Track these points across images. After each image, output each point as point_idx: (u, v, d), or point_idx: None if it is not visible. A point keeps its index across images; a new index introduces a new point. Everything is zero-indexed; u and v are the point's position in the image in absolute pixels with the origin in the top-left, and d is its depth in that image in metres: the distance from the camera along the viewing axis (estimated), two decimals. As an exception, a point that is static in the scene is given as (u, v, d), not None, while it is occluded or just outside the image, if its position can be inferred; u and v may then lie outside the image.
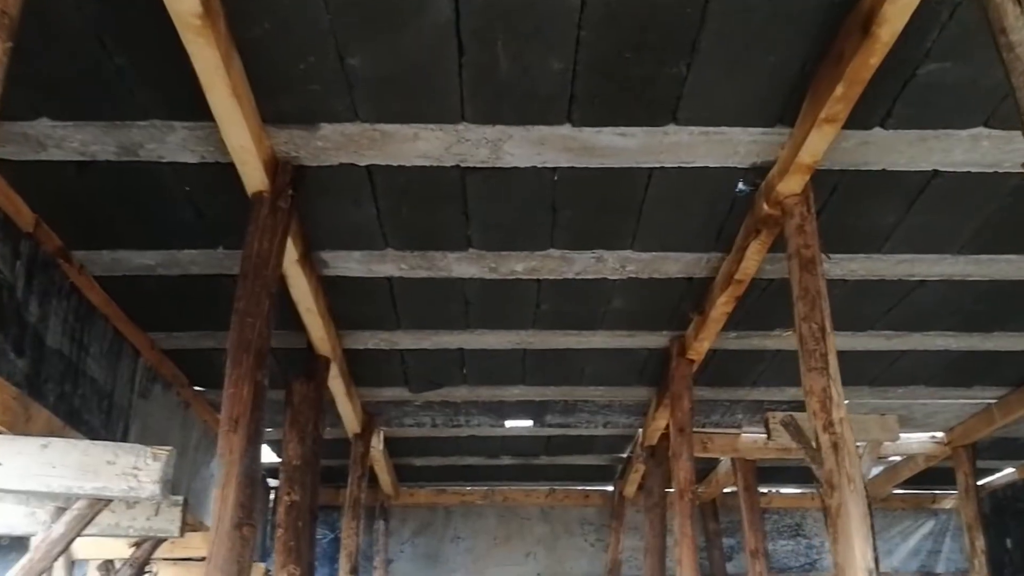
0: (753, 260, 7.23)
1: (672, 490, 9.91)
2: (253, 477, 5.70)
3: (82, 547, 10.41)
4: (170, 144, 6.22)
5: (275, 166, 6.29)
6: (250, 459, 5.68)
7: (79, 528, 6.78)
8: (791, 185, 6.23)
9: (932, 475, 14.66)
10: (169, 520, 8.00)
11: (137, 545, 9.05)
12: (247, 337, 5.94)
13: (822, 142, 5.75)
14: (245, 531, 5.54)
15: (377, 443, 12.72)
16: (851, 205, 7.04)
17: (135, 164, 6.45)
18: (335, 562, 13.58)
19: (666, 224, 7.34)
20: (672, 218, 7.25)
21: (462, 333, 9.52)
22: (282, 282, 7.77)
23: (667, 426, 11.76)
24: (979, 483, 16.13)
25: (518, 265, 7.97)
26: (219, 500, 5.56)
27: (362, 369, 10.55)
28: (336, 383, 10.08)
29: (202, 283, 8.18)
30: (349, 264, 7.95)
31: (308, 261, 7.68)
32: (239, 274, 6.21)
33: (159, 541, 8.81)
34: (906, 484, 15.28)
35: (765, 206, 6.47)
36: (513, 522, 16.90)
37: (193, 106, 5.64)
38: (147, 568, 9.98)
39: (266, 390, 5.94)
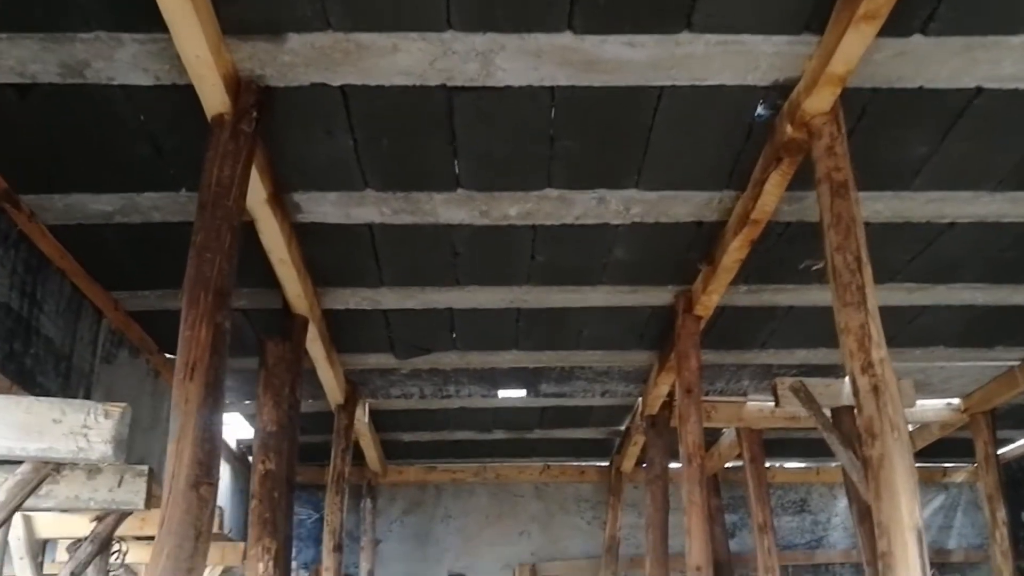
0: (772, 196, 6.53)
1: (676, 464, 9.25)
2: (212, 430, 4.99)
3: (46, 524, 9.77)
4: (120, 62, 5.49)
5: (237, 85, 5.58)
6: (208, 410, 4.98)
7: (22, 495, 6.04)
8: (819, 102, 5.54)
9: (942, 447, 14.03)
10: (134, 491, 7.25)
11: (99, 519, 8.39)
12: (205, 274, 5.25)
13: (858, 45, 5.06)
14: (203, 491, 4.85)
15: (362, 415, 12.01)
16: (880, 133, 6.35)
17: (82, 88, 5.73)
18: (320, 543, 12.87)
19: (676, 156, 6.63)
20: (682, 149, 6.55)
21: (451, 290, 8.80)
22: (251, 230, 7.09)
23: (669, 393, 11.17)
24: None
25: (512, 208, 7.26)
26: (173, 456, 4.87)
27: (344, 333, 9.83)
28: (315, 347, 9.36)
29: (166, 233, 7.43)
30: (324, 208, 7.23)
31: (279, 203, 6.97)
32: (197, 205, 5.49)
33: (123, 515, 8.11)
34: (915, 457, 14.59)
35: (789, 129, 5.78)
36: (506, 500, 16.22)
37: (143, 13, 4.97)
38: (115, 546, 9.31)
39: (227, 334, 5.25)
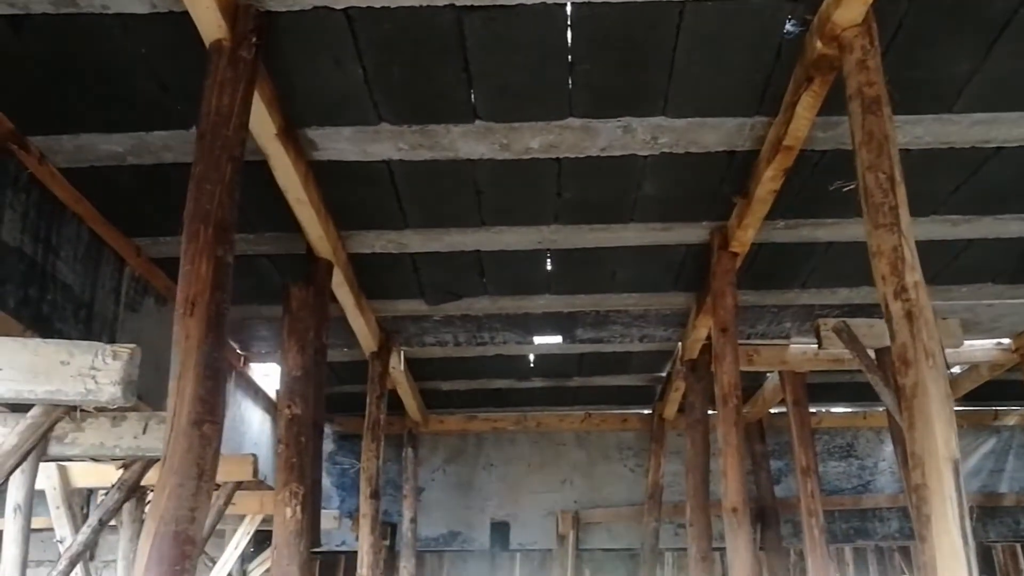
0: (804, 119, 6.19)
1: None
2: (216, 367, 4.83)
3: (81, 474, 9.76)
4: (112, -14, 5.30)
5: (234, 9, 5.37)
6: (210, 346, 4.82)
7: (34, 439, 6.00)
8: (850, 13, 5.20)
9: (992, 389, 13.55)
10: (159, 438, 7.19)
11: (126, 467, 8.34)
12: (204, 207, 5.07)
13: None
14: (206, 429, 4.71)
15: (397, 363, 11.86)
16: (918, 48, 5.97)
17: (77, 19, 5.58)
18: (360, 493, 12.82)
19: (703, 79, 6.31)
20: (709, 71, 6.22)
21: (477, 231, 8.56)
22: (267, 171, 6.90)
23: (708, 336, 10.87)
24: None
25: (533, 140, 6.98)
26: (175, 393, 4.72)
27: (372, 279, 9.64)
28: (344, 292, 9.20)
29: (181, 174, 7.18)
30: (339, 145, 7.01)
31: (292, 140, 6.76)
32: (196, 135, 5.29)
33: (150, 462, 8.07)
34: (964, 400, 14.20)
35: (818, 44, 5.44)
36: (548, 448, 16.04)
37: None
38: (143, 494, 9.28)
39: (230, 268, 5.07)
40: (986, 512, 14.95)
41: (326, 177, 7.48)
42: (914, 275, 4.71)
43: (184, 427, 4.65)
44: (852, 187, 5.23)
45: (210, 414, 4.73)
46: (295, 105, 6.52)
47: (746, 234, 8.09)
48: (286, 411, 7.79)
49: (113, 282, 8.44)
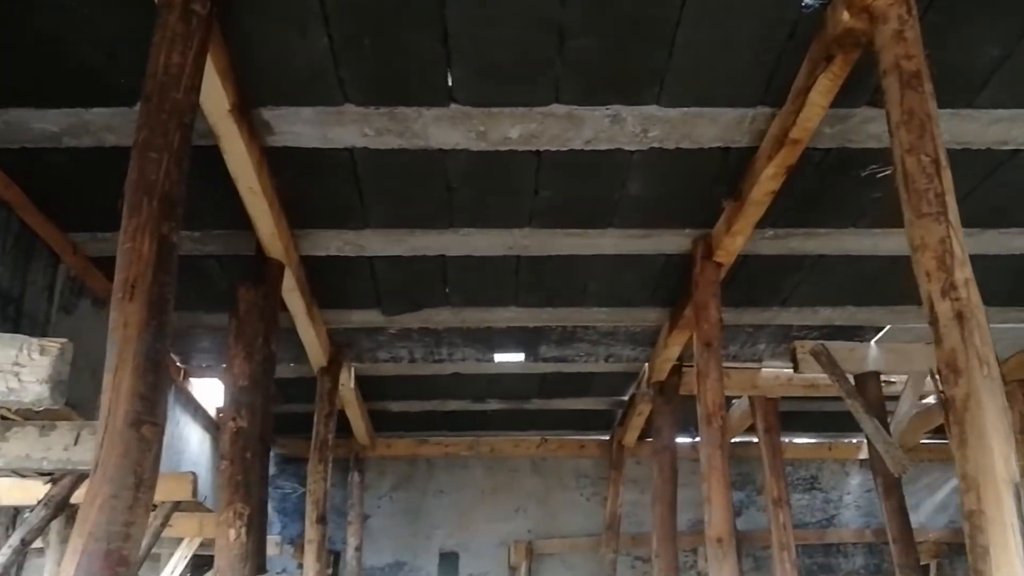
0: (818, 106, 5.63)
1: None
2: (158, 360, 4.10)
3: (7, 490, 8.93)
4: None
5: (188, -44, 4.68)
6: (152, 336, 4.09)
7: (-57, 446, 5.22)
8: (886, -22, 4.65)
9: (963, 421, 13.12)
10: (91, 450, 6.36)
11: (54, 482, 7.55)
12: (149, 177, 4.37)
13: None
14: (146, 431, 3.98)
15: (347, 380, 11.13)
16: (945, 30, 5.44)
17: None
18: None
19: (706, 60, 5.73)
20: (714, 51, 5.65)
21: (443, 233, 7.90)
22: (215, 157, 6.20)
23: (679, 356, 10.32)
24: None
25: (513, 129, 6.36)
26: (110, 389, 3.98)
27: (325, 285, 8.93)
28: (294, 298, 8.47)
29: (124, 160, 6.50)
30: (298, 128, 6.32)
31: (246, 120, 6.06)
32: (141, 98, 4.59)
33: (81, 477, 7.30)
34: (934, 432, 13.79)
35: (845, 16, 4.88)
36: (501, 475, 15.34)
37: None
38: (74, 512, 8.48)
39: (176, 249, 4.36)
40: (953, 549, 14.51)
41: (281, 166, 6.77)
42: (964, 271, 4.13)
43: (120, 428, 3.92)
44: (887, 172, 4.66)
45: (150, 414, 4.01)
46: (251, 79, 5.82)
47: (734, 242, 7.53)
48: (231, 424, 7.07)
49: (46, 280, 7.67)
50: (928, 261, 4.21)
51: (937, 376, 4.17)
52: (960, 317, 4.06)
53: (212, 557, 6.93)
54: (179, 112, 4.53)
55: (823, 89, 5.46)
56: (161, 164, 4.38)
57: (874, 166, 6.45)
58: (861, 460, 15.37)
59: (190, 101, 4.63)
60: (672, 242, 8.14)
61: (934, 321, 4.15)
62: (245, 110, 6.01)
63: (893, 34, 4.60)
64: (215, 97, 5.54)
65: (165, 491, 8.30)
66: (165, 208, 4.33)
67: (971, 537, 3.87)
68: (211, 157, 6.19)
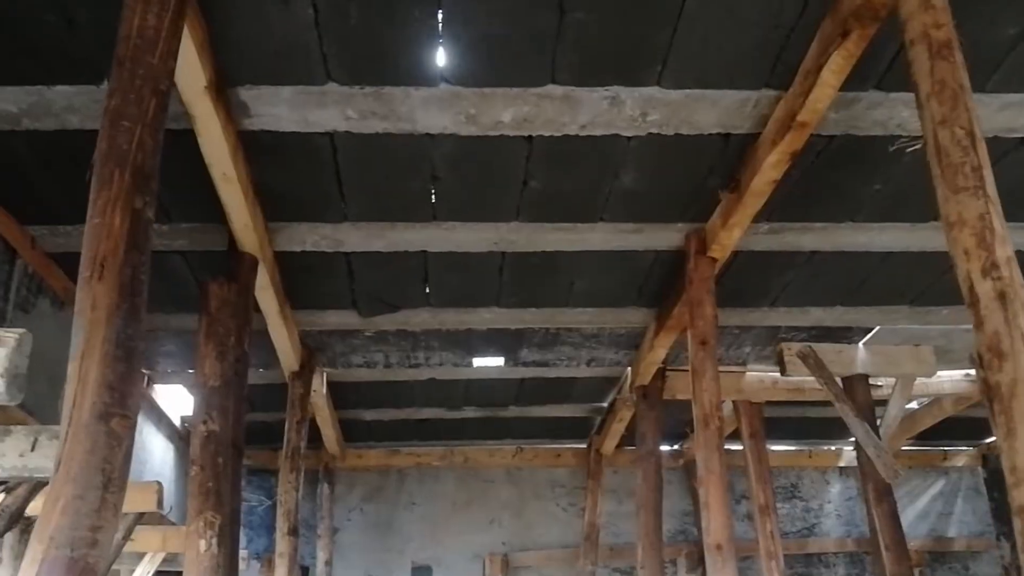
0: (829, 87, 5.34)
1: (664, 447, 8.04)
2: (130, 347, 3.72)
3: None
4: None
5: (163, -89, 4.31)
6: (123, 319, 3.70)
7: None
8: (911, -60, 4.37)
9: (942, 428, 12.94)
10: (50, 457, 5.97)
11: (8, 491, 7.09)
12: (121, 147, 4.00)
13: None
14: (116, 424, 3.60)
15: (319, 386, 10.74)
16: (966, 8, 5.18)
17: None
18: (273, 531, 11.58)
19: (711, 38, 5.44)
20: (722, 26, 5.36)
21: (426, 227, 7.54)
22: (193, 147, 5.83)
23: (664, 360, 10.02)
24: (987, 441, 14.61)
25: (505, 112, 6.03)
26: (76, 378, 3.58)
27: (299, 283, 8.52)
28: (267, 297, 8.06)
29: (89, 144, 6.10)
30: (277, 109, 5.95)
31: (222, 100, 5.68)
32: (113, 61, 4.21)
33: (38, 485, 6.83)
34: (914, 440, 13.63)
35: (866, -16, 4.61)
36: (475, 485, 14.94)
37: None
38: (29, 524, 8.02)
39: (151, 225, 3.98)
40: (935, 557, 14.31)
41: (257, 152, 6.40)
42: (1006, 249, 3.86)
43: (87, 421, 3.53)
44: (918, 147, 4.38)
45: (120, 406, 3.62)
46: (229, 54, 5.45)
47: (730, 236, 7.23)
48: (201, 427, 6.67)
49: (1, 275, 7.22)
50: (966, 238, 3.94)
51: (978, 360, 3.83)
52: (1003, 297, 3.78)
53: (177, 574, 6.50)
54: (154, 78, 4.17)
55: (836, 68, 5.19)
56: (134, 133, 4.01)
57: (902, 140, 6.16)
58: (841, 468, 15.18)
59: (167, 67, 4.27)
60: (664, 237, 7.83)
61: (974, 302, 3.86)
62: (222, 89, 5.64)
63: (920, 2, 4.33)
64: (191, 72, 5.18)
65: (128, 502, 7.83)
66: (138, 181, 3.96)
67: (1023, 534, 3.57)
68: (180, 141, 5.81)
